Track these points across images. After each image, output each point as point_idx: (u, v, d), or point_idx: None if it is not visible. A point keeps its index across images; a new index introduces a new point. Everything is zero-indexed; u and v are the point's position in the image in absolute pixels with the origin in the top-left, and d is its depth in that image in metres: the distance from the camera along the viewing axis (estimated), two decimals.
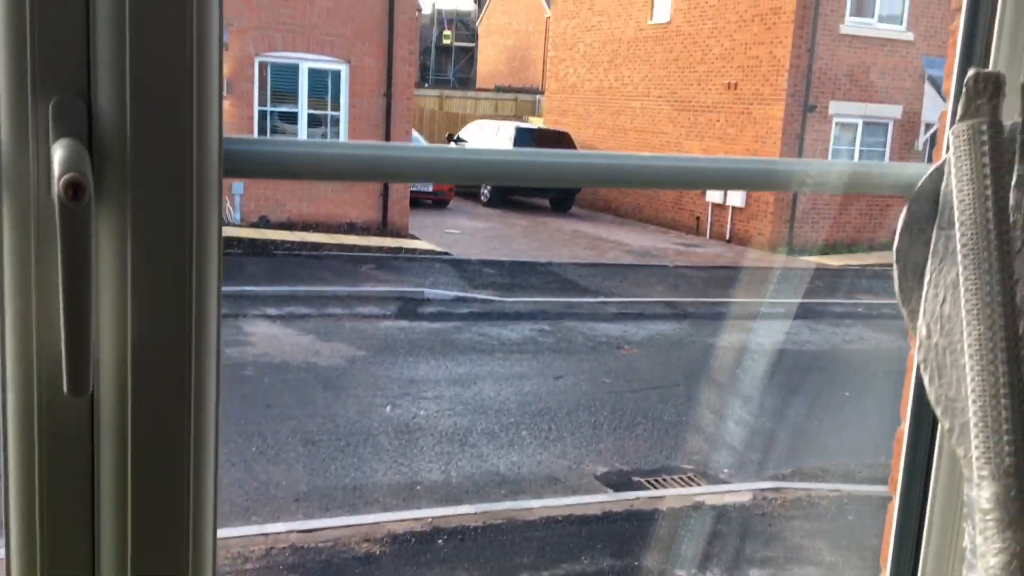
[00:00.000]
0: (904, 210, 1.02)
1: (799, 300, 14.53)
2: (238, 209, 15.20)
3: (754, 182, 1.03)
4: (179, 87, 0.73)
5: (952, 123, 1.00)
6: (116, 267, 0.72)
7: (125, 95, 0.72)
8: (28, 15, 0.69)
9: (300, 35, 15.40)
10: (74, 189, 0.66)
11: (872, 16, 19.56)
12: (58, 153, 0.69)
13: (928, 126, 20.10)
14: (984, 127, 0.94)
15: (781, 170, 1.02)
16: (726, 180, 0.98)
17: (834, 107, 19.38)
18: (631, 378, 9.81)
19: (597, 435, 7.99)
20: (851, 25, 19.21)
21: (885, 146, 20.21)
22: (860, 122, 19.83)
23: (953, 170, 0.97)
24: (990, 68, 1.04)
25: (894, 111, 19.97)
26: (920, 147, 20.33)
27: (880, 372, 10.37)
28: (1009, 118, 0.97)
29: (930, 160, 1.19)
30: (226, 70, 14.95)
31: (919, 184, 1.02)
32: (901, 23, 19.82)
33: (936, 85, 19.77)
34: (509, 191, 22.95)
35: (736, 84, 20.14)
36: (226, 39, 14.63)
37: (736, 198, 19.97)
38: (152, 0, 0.71)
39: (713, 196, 20.56)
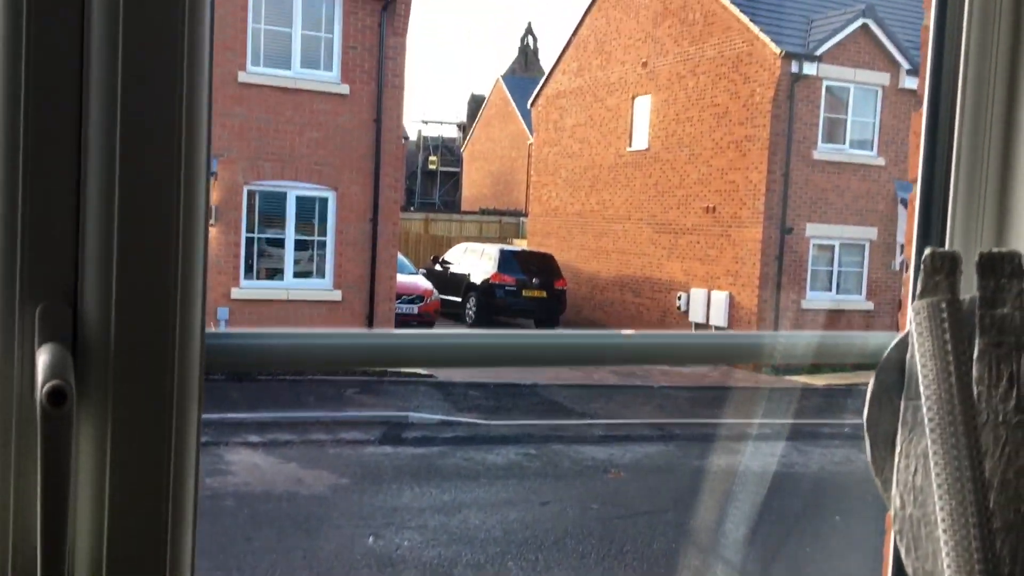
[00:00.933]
0: (872, 380, 1.05)
1: (786, 421, 14.48)
2: None
3: (727, 355, 1.06)
4: (165, 290, 0.75)
5: (912, 299, 1.03)
6: (95, 469, 0.73)
7: (111, 300, 0.74)
8: (20, 222, 0.72)
9: (289, 164, 15.76)
10: (56, 396, 0.68)
11: (843, 142, 20.24)
12: (42, 359, 0.71)
13: (903, 247, 20.50)
14: (943, 304, 0.98)
15: (750, 343, 1.05)
16: (700, 355, 1.01)
17: (811, 229, 19.81)
18: (619, 503, 9.65)
19: (585, 565, 7.80)
20: (823, 151, 19.85)
21: (862, 266, 20.57)
22: (837, 243, 20.24)
23: (916, 345, 1.00)
24: (947, 245, 1.09)
25: (869, 233, 20.42)
26: (896, 267, 20.70)
27: (870, 495, 10.24)
28: (967, 291, 1.01)
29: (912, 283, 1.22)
30: (215, 198, 15.22)
31: (885, 354, 1.05)
32: (872, 148, 20.50)
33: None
34: (494, 311, 23.06)
35: (714, 208, 20.62)
36: (215, 169, 14.96)
37: (719, 318, 20.14)
38: (140, 210, 0.74)
39: (696, 316, 20.73)
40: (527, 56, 61.39)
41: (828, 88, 19.88)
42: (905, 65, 20.14)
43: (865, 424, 1.05)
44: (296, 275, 16.21)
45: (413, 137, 56.18)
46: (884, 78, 20.29)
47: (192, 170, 0.76)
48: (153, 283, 0.75)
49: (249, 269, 15.88)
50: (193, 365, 0.77)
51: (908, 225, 1.18)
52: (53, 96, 0.73)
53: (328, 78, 16.01)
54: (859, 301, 20.54)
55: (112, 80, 0.75)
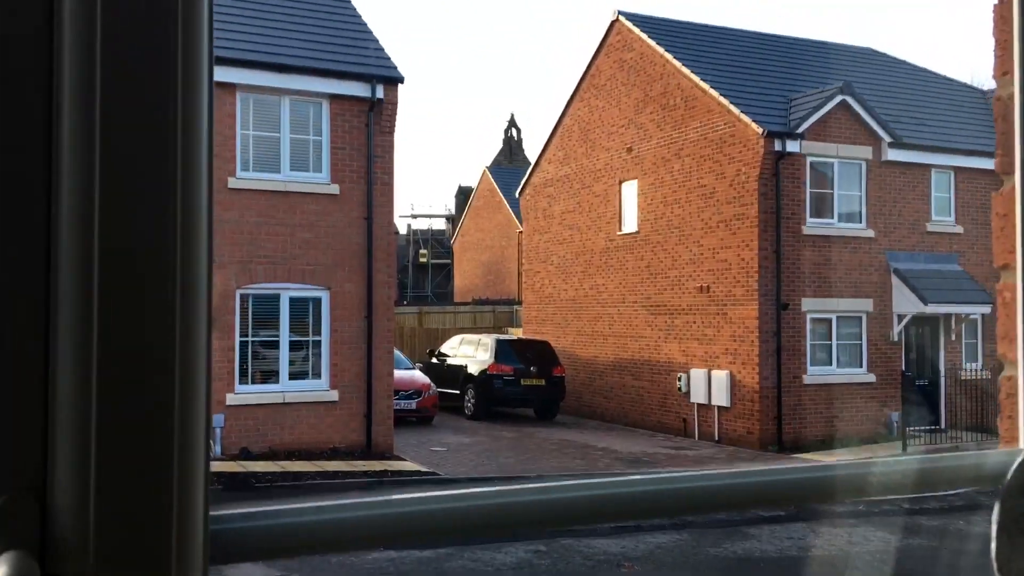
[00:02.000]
0: (997, 507, 0.89)
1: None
2: (218, 442, 14.85)
3: (796, 495, 0.90)
4: (158, 470, 0.59)
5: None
6: None
7: (89, 488, 0.58)
8: None
9: (281, 266, 15.70)
10: None
11: (832, 216, 20.34)
12: (1, 571, 0.54)
13: (900, 317, 20.44)
14: None
15: (835, 477, 0.89)
16: (759, 496, 0.85)
17: (807, 304, 19.74)
18: None
19: None
20: (813, 226, 19.93)
21: (861, 338, 20.43)
22: (834, 316, 20.14)
23: None
24: None
25: (865, 304, 20.36)
26: (896, 338, 20.58)
27: (889, 574, 9.88)
28: None
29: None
30: None
31: (1009, 476, 0.89)
32: (861, 221, 20.61)
33: (903, 278, 20.29)
34: (493, 402, 22.75)
35: (708, 287, 20.58)
36: None
37: (721, 398, 19.87)
38: (126, 371, 0.59)
39: (697, 397, 20.46)
40: (511, 146, 62.39)
41: (812, 164, 20.09)
42: (886, 138, 20.42)
43: (995, 562, 0.88)
44: (291, 376, 15.96)
45: (403, 231, 56.59)
46: (867, 152, 20.53)
47: (190, 332, 0.61)
48: (143, 463, 0.59)
49: (244, 374, 15.64)
50: (195, 562, 0.60)
51: (1002, 320, 1.03)
52: (19, 238, 0.59)
53: (318, 179, 16.09)
54: (860, 374, 20.33)
55: (88, 209, 0.60)
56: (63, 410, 0.58)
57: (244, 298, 15.57)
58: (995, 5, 1.12)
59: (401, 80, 16.62)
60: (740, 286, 19.70)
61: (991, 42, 1.15)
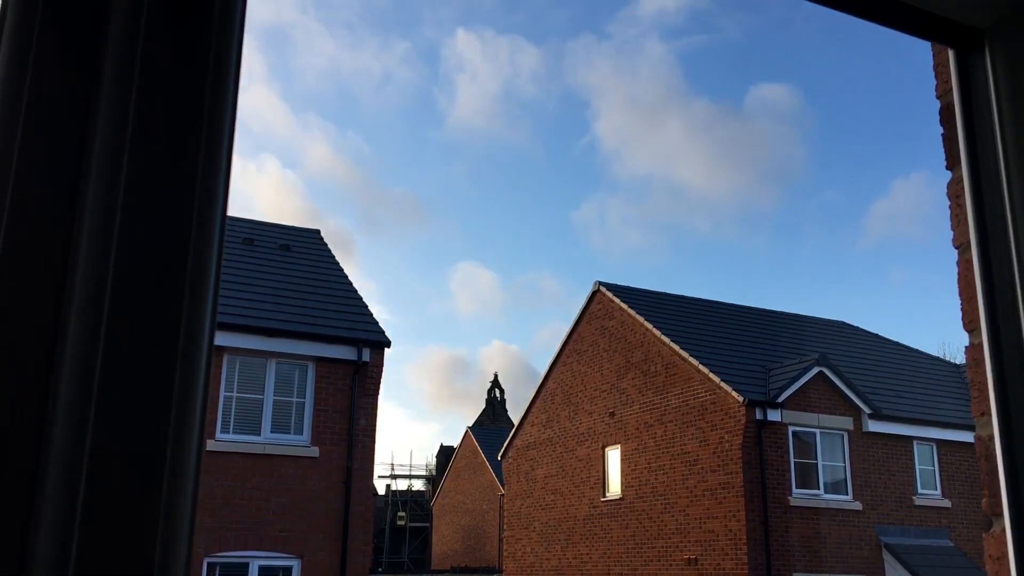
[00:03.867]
0: None
1: None
2: None
3: None
4: None
5: None
6: None
7: None
8: None
9: (253, 533, 15.12)
10: None
11: (818, 487, 20.09)
12: None
13: None
14: None
15: None
16: None
17: None
18: None
19: None
20: (799, 496, 19.63)
21: None
22: None
23: None
24: None
25: None
26: None
27: None
28: None
29: None
30: None
31: None
32: (847, 493, 20.33)
33: (895, 554, 19.71)
34: None
35: (696, 559, 19.86)
36: None
37: None
38: None
39: None
40: (495, 407, 62.51)
41: (795, 433, 20.12)
42: (866, 409, 20.62)
43: None
44: None
45: (381, 491, 55.25)
46: (847, 423, 20.66)
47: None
48: None
49: None
50: None
51: None
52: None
53: (298, 441, 15.91)
54: None
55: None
56: None
57: (211, 567, 14.84)
58: (967, 348, 1.16)
59: (388, 344, 16.94)
60: (729, 559, 19.03)
61: (959, 315, 1.18)
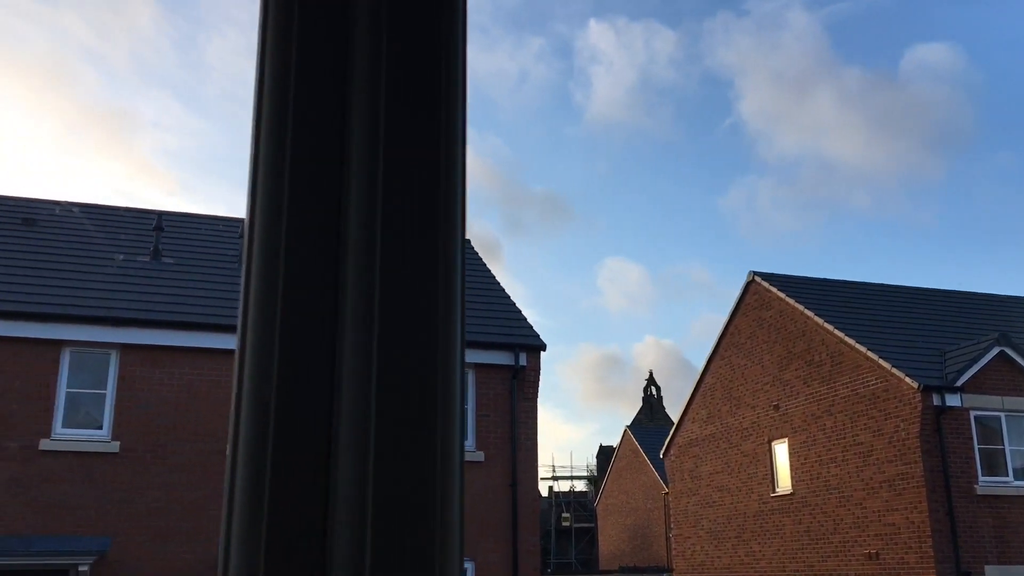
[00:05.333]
0: None
1: None
2: None
3: None
4: None
5: None
6: None
7: None
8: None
9: None
10: None
11: (1006, 474, 18.86)
12: None
13: None
14: None
15: None
16: None
17: (991, 572, 17.87)
18: None
19: None
20: (986, 485, 18.47)
21: None
22: None
23: None
24: None
25: None
26: None
27: None
28: None
29: None
30: None
31: None
32: None
33: None
34: None
35: (877, 553, 19.03)
36: None
37: None
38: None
39: None
40: (652, 405, 61.91)
41: (977, 418, 18.96)
42: None
43: None
44: None
45: (544, 494, 55.73)
46: None
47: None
48: None
49: None
50: None
51: None
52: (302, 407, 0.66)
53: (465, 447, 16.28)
54: None
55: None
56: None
57: None
58: None
59: (543, 347, 17.10)
60: (913, 552, 18.13)
61: None
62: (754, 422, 23.87)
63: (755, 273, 24.48)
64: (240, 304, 0.72)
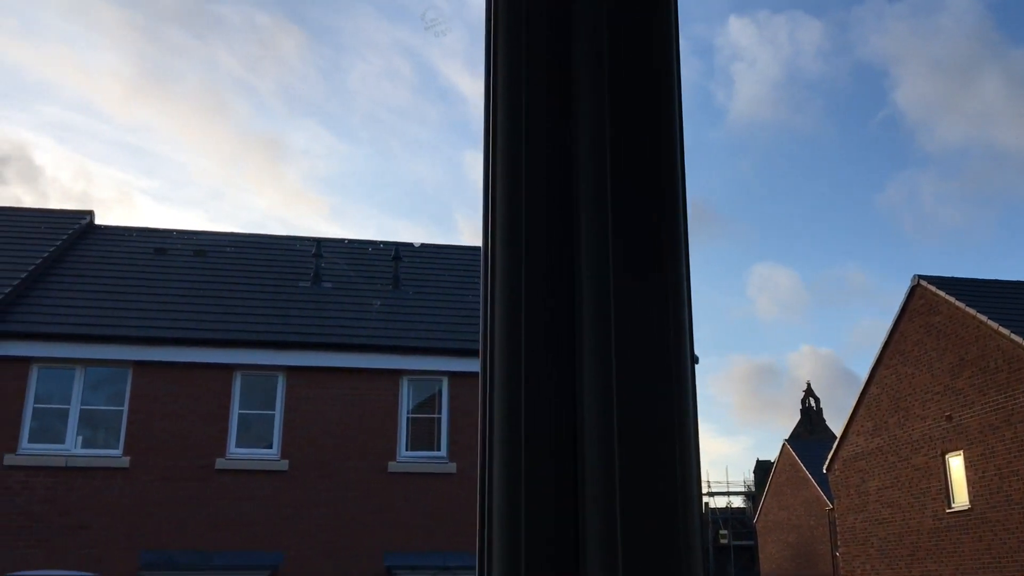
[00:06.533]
0: None
1: None
2: None
3: None
4: None
5: None
6: None
7: None
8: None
9: None
10: None
11: None
12: None
13: None
14: None
15: None
16: None
17: None
18: None
19: None
20: None
21: None
22: None
23: None
24: None
25: None
26: None
27: None
28: None
29: None
30: None
31: None
32: None
33: None
34: None
35: None
36: None
37: None
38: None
39: None
40: (811, 417, 59.69)
41: None
42: None
43: None
44: None
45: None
46: None
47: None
48: None
49: None
50: None
51: None
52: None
53: None
54: None
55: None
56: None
57: None
58: None
59: (696, 360, 16.74)
60: None
61: None
62: (925, 434, 22.60)
63: (920, 277, 23.25)
64: (483, 334, 0.75)
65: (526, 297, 0.74)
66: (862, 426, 25.49)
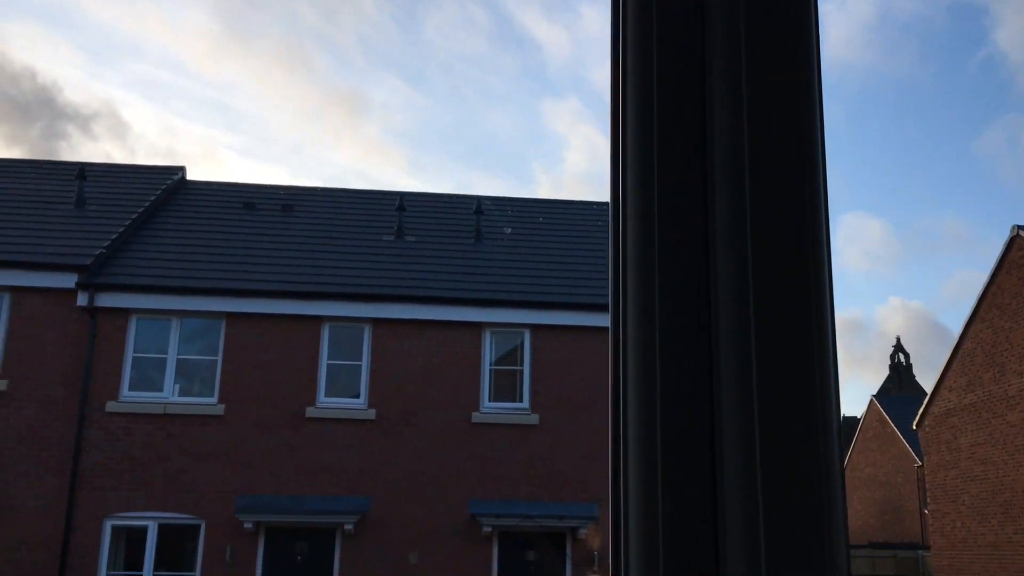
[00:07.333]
0: None
1: None
2: None
3: None
4: None
5: None
6: None
7: None
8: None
9: None
10: None
11: None
12: None
13: None
14: None
15: None
16: None
17: None
18: None
19: None
20: None
21: None
22: None
23: None
24: None
25: None
26: None
27: None
28: None
29: None
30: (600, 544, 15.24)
31: None
32: None
33: None
34: None
35: None
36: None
37: None
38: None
39: None
40: (900, 373, 58.21)
41: None
42: None
43: None
44: None
45: None
46: None
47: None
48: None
49: None
50: None
51: None
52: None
53: None
54: None
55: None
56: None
57: None
58: None
59: None
60: None
61: None
62: (1021, 390, 21.82)
63: (1020, 227, 22.26)
64: (613, 332, 0.74)
65: (659, 286, 0.72)
66: (955, 381, 24.74)
